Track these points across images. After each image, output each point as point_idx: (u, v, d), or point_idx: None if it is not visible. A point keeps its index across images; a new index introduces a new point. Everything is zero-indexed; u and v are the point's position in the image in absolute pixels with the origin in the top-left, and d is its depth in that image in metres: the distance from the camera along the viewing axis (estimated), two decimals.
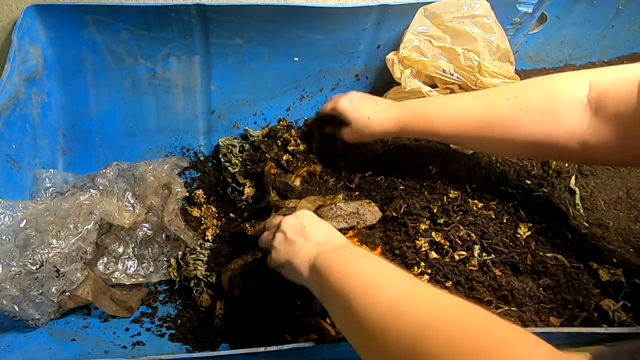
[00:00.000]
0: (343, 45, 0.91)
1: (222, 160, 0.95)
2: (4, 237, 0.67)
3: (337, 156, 0.89)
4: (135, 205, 0.82)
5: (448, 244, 0.72)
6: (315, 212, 0.78)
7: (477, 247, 0.71)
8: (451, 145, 0.86)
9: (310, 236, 0.59)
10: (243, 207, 0.88)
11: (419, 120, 0.74)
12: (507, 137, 0.67)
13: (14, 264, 0.66)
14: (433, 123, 0.73)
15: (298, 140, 0.92)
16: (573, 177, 0.81)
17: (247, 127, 0.99)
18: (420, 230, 0.74)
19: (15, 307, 0.66)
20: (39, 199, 0.75)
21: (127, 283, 0.78)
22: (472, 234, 0.72)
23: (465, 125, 0.70)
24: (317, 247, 0.57)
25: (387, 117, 0.77)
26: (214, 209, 0.91)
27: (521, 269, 0.68)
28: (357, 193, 0.85)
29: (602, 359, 0.37)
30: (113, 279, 0.77)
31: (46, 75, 0.84)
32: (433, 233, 0.73)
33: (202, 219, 0.89)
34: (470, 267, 0.69)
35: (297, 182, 0.86)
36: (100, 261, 0.77)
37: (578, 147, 0.62)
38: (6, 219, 0.68)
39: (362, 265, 0.52)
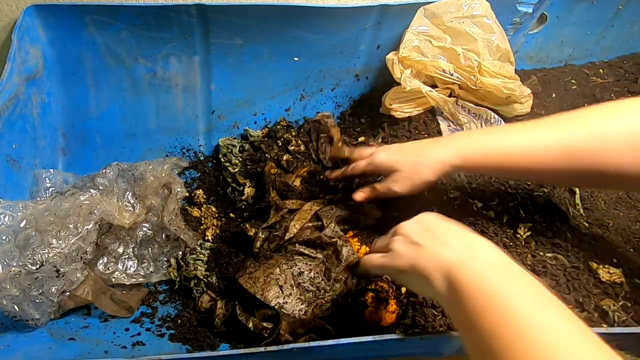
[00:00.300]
0: (343, 45, 0.91)
1: (222, 160, 0.95)
2: (4, 237, 0.67)
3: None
4: (135, 205, 0.82)
5: None
6: (315, 214, 0.78)
7: None
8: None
9: (441, 238, 0.50)
10: (243, 207, 0.88)
11: (488, 153, 0.64)
12: (594, 169, 0.60)
13: (14, 264, 0.66)
14: (507, 156, 0.63)
15: (299, 141, 0.92)
16: None
17: (247, 127, 0.99)
18: None
19: (15, 307, 0.66)
20: (39, 199, 0.75)
21: (127, 283, 0.78)
22: None
23: (547, 158, 0.61)
24: (455, 253, 0.48)
25: (443, 148, 0.66)
26: (214, 209, 0.91)
27: None
28: None
29: None
30: (113, 279, 0.77)
31: (46, 75, 0.84)
32: None
33: (202, 219, 0.89)
34: None
35: (297, 182, 0.86)
36: (100, 261, 0.77)
37: None
38: (6, 219, 0.68)
39: (525, 307, 0.40)
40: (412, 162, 0.67)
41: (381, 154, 0.70)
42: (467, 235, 0.50)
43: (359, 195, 0.73)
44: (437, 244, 0.49)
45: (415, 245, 0.51)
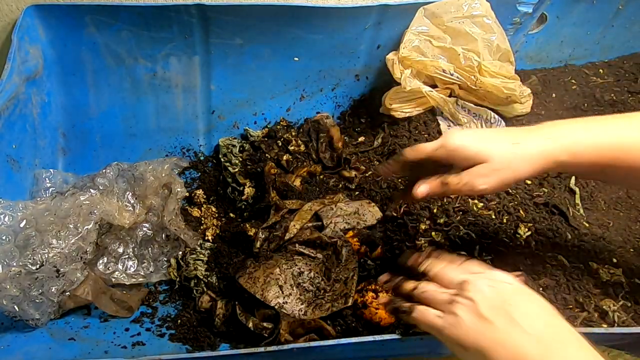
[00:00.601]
0: (343, 45, 0.91)
1: (222, 160, 0.95)
2: (4, 237, 0.67)
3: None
4: (135, 205, 0.82)
5: (448, 244, 0.72)
6: (315, 214, 0.78)
7: (477, 247, 0.71)
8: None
9: (519, 319, 0.42)
10: (243, 207, 0.88)
11: (601, 148, 0.52)
12: None
13: (14, 264, 0.66)
14: (623, 153, 0.52)
15: (299, 141, 0.92)
16: (573, 177, 0.81)
17: (247, 127, 0.99)
18: (420, 230, 0.74)
19: (15, 307, 0.66)
20: (39, 199, 0.75)
21: (127, 283, 0.78)
22: (472, 234, 0.72)
23: None
24: (535, 346, 0.41)
25: (545, 139, 0.52)
26: (214, 209, 0.91)
27: (521, 269, 0.68)
28: (357, 193, 0.85)
29: None
30: (113, 279, 0.77)
31: (46, 75, 0.84)
32: (433, 233, 0.73)
33: (202, 219, 0.89)
34: None
35: (297, 182, 0.86)
36: (100, 261, 0.77)
37: None
38: (6, 219, 0.68)
39: None
40: (506, 152, 0.52)
41: (457, 135, 0.54)
42: (551, 320, 0.44)
43: (422, 190, 0.56)
44: (514, 327, 0.42)
45: (486, 321, 0.43)
